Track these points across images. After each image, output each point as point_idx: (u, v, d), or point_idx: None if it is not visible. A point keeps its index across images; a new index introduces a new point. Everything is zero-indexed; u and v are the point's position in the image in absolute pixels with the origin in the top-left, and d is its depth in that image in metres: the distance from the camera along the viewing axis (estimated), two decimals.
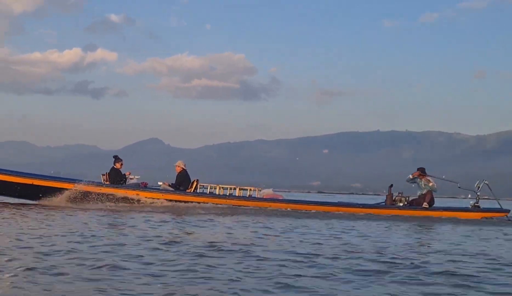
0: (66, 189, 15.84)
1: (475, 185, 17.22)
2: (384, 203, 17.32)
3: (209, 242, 7.60)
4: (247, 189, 16.94)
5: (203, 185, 16.97)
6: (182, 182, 16.77)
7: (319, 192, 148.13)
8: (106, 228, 9.50)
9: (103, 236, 8.05)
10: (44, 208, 13.91)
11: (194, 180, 16.79)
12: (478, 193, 17.06)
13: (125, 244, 7.22)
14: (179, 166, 17.05)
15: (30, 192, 16.02)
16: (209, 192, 16.82)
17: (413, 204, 16.96)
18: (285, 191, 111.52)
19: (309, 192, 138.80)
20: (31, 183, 15.98)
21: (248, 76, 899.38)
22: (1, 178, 15.85)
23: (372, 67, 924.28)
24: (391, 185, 17.21)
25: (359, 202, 19.32)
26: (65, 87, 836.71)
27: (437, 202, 17.74)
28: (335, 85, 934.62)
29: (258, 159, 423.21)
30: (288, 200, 17.39)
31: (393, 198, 16.98)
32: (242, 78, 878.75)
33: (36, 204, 15.48)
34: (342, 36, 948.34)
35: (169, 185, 16.81)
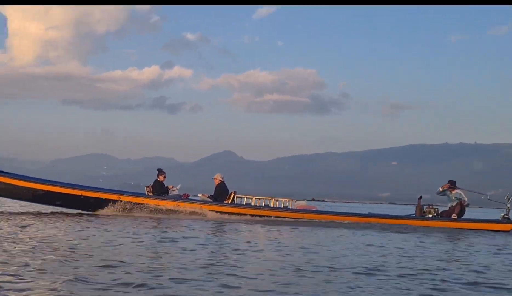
0: (113, 200, 16.55)
1: (505, 197, 16.98)
2: (414, 215, 17.33)
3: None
4: (281, 200, 17.21)
5: (240, 197, 17.34)
6: (220, 193, 17.22)
7: (390, 203, 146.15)
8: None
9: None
10: (107, 218, 14.66)
11: (232, 192, 17.21)
12: (508, 205, 16.80)
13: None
14: (217, 179, 17.52)
15: (80, 202, 16.77)
16: (245, 203, 17.19)
17: (443, 216, 16.91)
18: (356, 203, 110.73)
19: (381, 203, 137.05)
20: (80, 194, 16.75)
21: (319, 91, 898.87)
22: (54, 189, 16.68)
23: (440, 80, 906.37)
24: (420, 197, 17.21)
25: (391, 213, 19.32)
26: (144, 102, 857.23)
27: (469, 214, 17.63)
28: (403, 98, 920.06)
29: (328, 171, 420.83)
30: (321, 211, 17.61)
31: (423, 210, 16.98)
32: (313, 92, 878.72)
33: (89, 214, 16.18)
34: (410, 50, 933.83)
35: (208, 197, 17.29)
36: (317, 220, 16.55)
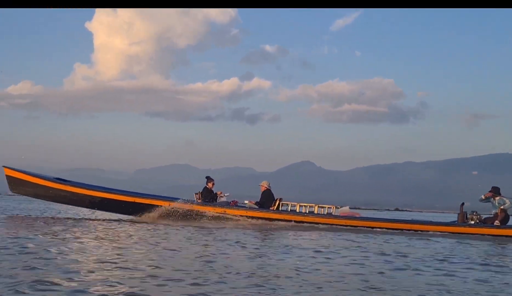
0: (163, 206, 17.14)
1: None
2: (456, 221, 17.12)
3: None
4: (325, 207, 17.35)
5: (285, 203, 17.59)
6: (266, 200, 17.54)
7: (473, 212, 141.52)
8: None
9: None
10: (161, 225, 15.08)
11: (277, 199, 17.50)
12: None
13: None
14: (263, 186, 17.86)
15: (132, 209, 17.46)
16: (290, 209, 17.43)
17: (487, 223, 16.63)
18: (437, 212, 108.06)
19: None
20: (132, 201, 17.45)
21: (397, 100, 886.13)
22: (108, 196, 17.44)
23: None
24: (463, 203, 17.01)
25: (433, 220, 19.10)
26: (224, 113, 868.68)
27: None
28: (483, 107, 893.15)
29: (407, 181, 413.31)
30: (364, 217, 17.64)
31: (466, 216, 16.75)
32: (391, 102, 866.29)
33: (140, 220, 16.83)
34: (490, 60, 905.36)
35: (255, 203, 17.65)
36: (359, 227, 16.65)
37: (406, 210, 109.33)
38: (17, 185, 17.55)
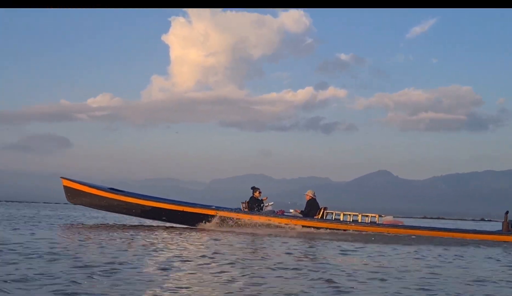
0: (210, 215, 17.50)
1: None
2: (501, 230, 16.68)
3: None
4: (368, 216, 17.26)
5: (329, 212, 17.58)
6: (311, 209, 17.60)
7: None
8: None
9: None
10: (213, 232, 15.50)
11: (322, 208, 17.53)
12: None
13: None
14: (308, 195, 17.92)
15: (181, 217, 17.88)
16: (334, 218, 17.42)
17: None
18: None
19: None
20: (181, 210, 17.88)
21: (476, 108, 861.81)
22: (158, 205, 17.92)
23: None
24: (507, 212, 16.52)
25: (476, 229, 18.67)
26: (298, 123, 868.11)
27: None
28: None
29: (487, 190, 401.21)
30: (407, 225, 17.45)
31: (510, 225, 16.29)
32: (469, 110, 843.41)
33: (190, 228, 17.21)
34: None
35: (300, 212, 17.74)
36: (403, 235, 16.48)
37: (494, 220, 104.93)
38: (73, 195, 18.30)
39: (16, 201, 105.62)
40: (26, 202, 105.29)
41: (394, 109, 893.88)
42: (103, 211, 20.82)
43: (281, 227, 17.04)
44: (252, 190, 18.47)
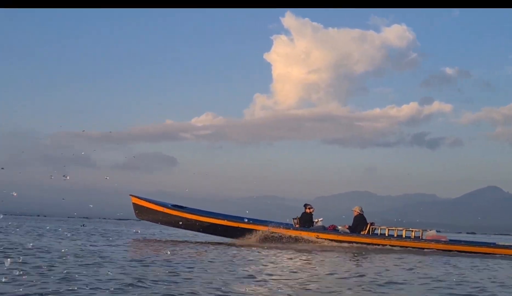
0: (261, 230, 18.27)
1: None
2: None
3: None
4: (412, 231, 17.44)
5: (376, 227, 17.90)
6: (358, 225, 18.02)
7: None
8: None
9: None
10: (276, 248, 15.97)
11: (369, 223, 17.90)
12: None
13: None
14: (356, 211, 18.35)
15: (236, 232, 18.77)
16: (380, 233, 17.72)
17: None
18: None
19: None
20: (236, 226, 18.74)
21: None
22: (215, 221, 18.86)
23: None
24: None
25: None
26: (403, 139, 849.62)
27: None
28: None
29: None
30: (451, 241, 17.48)
31: None
32: None
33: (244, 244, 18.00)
34: None
35: (347, 228, 18.18)
36: (446, 250, 16.59)
37: None
38: (141, 212, 19.62)
39: (126, 219, 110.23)
40: (134, 219, 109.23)
41: (503, 123, 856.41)
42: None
43: (328, 242, 17.55)
44: (304, 207, 19.11)
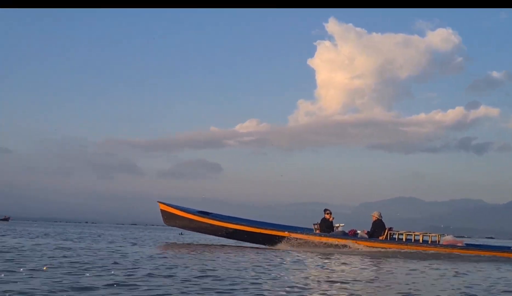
0: (284, 236, 18.71)
1: None
2: None
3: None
4: (429, 235, 17.62)
5: (393, 232, 18.11)
6: (376, 230, 18.28)
7: None
8: None
9: None
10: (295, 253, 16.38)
11: (387, 228, 18.15)
12: None
13: None
14: (374, 216, 18.61)
15: (259, 238, 19.25)
16: (398, 238, 17.94)
17: None
18: None
19: None
20: (259, 232, 19.21)
21: None
22: (239, 227, 19.32)
23: None
24: None
25: None
26: (448, 144, 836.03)
27: None
28: None
29: None
30: (467, 245, 17.61)
31: None
32: None
33: (266, 248, 18.46)
34: None
35: (366, 233, 18.46)
36: (462, 254, 16.75)
37: None
38: (169, 218, 20.29)
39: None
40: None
41: None
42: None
43: (348, 247, 17.88)
44: (324, 212, 19.48)
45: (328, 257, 14.53)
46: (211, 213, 20.53)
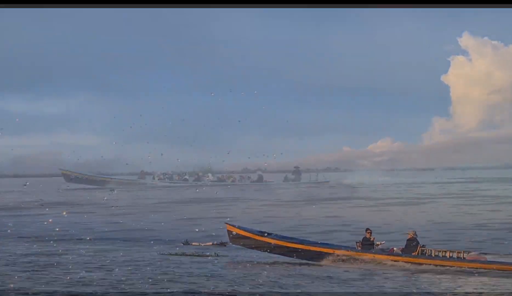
0: (330, 253, 20.96)
1: None
2: None
3: None
4: (455, 252, 19.32)
5: (426, 249, 19.90)
6: (410, 247, 20.13)
7: None
8: None
9: None
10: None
11: (419, 246, 19.98)
12: None
13: None
14: (410, 234, 20.46)
15: (311, 256, 21.48)
16: (427, 254, 19.73)
17: None
18: None
19: None
20: (300, 248, 21.52)
21: None
22: (279, 243, 21.54)
23: None
24: None
25: None
26: None
27: None
28: None
29: None
30: (491, 261, 19.10)
31: None
32: None
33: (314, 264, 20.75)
34: None
35: (401, 250, 20.33)
36: (488, 269, 18.50)
37: None
38: (234, 238, 22.86)
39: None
40: None
41: None
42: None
43: (385, 263, 19.94)
44: (365, 231, 21.51)
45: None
46: (270, 233, 22.90)
